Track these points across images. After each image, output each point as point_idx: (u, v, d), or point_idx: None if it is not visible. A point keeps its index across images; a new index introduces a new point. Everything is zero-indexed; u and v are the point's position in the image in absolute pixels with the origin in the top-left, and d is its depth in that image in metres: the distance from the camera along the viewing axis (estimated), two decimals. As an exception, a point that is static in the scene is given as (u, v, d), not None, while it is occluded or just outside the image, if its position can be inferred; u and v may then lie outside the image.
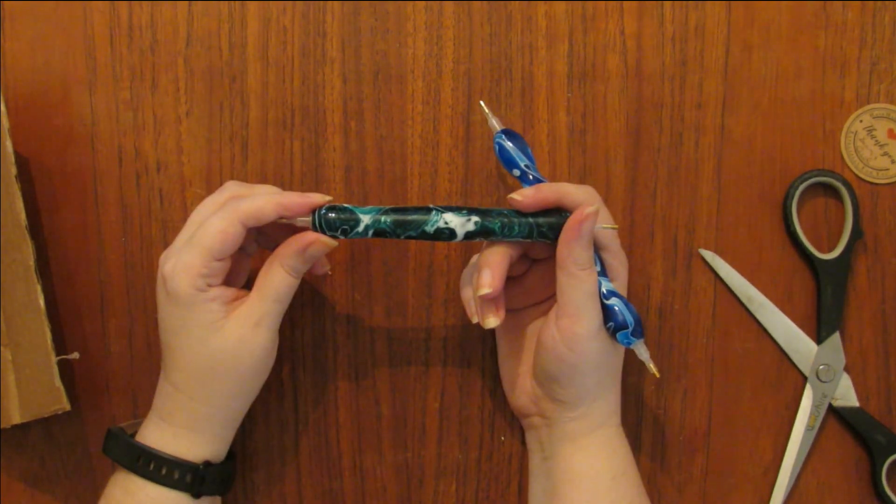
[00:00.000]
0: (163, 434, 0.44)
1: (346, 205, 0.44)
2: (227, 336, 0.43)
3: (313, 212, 0.44)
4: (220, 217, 0.42)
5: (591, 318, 0.42)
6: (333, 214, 0.43)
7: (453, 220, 0.43)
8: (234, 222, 0.42)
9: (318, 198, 0.43)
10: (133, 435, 0.44)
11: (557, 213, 0.44)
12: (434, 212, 0.44)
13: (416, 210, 0.44)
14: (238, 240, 0.42)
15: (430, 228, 0.44)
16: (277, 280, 0.43)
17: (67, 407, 0.46)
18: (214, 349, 0.42)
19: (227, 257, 0.42)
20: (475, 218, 0.43)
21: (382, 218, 0.43)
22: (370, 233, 0.44)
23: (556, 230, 0.43)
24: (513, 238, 0.44)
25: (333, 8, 0.49)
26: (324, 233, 0.44)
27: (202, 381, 0.43)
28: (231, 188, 0.45)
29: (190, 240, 0.42)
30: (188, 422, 0.43)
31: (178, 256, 0.42)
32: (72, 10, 0.49)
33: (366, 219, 0.43)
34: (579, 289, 0.42)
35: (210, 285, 0.42)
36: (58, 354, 0.46)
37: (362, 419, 0.51)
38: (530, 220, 0.44)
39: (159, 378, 0.45)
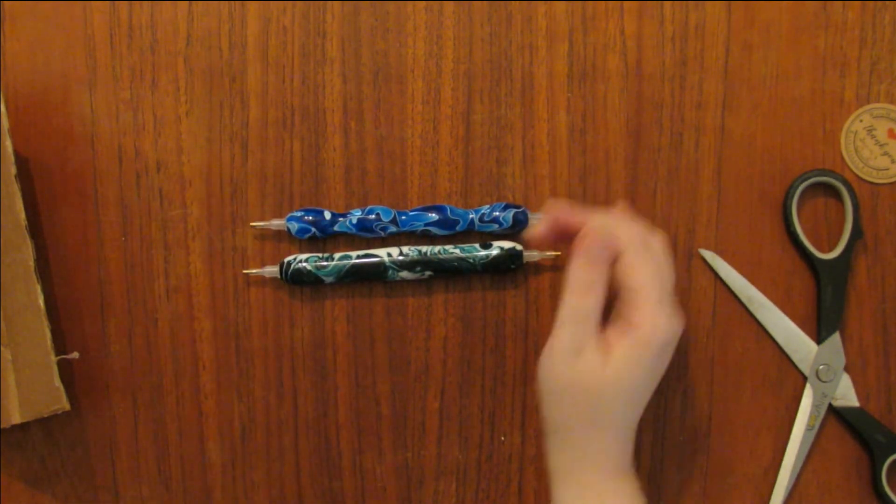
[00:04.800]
0: None
1: (313, 267, 0.48)
2: None
3: (281, 264, 0.49)
4: None
5: (552, 340, 0.41)
6: (299, 269, 0.48)
7: (408, 276, 0.49)
8: None
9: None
10: None
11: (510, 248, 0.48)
12: (390, 270, 0.48)
13: (373, 267, 0.48)
14: None
15: (388, 280, 0.49)
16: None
17: (67, 407, 0.46)
18: None
19: None
20: (429, 273, 0.48)
21: (344, 278, 0.49)
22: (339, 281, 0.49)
23: (512, 260, 0.48)
24: (473, 270, 0.49)
25: (333, 8, 0.49)
26: (290, 283, 0.49)
27: None
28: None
29: None
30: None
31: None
32: (72, 10, 0.49)
33: (328, 279, 0.49)
34: (561, 310, 0.42)
35: None
36: (58, 354, 0.46)
37: (362, 419, 0.51)
38: (481, 254, 0.48)
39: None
